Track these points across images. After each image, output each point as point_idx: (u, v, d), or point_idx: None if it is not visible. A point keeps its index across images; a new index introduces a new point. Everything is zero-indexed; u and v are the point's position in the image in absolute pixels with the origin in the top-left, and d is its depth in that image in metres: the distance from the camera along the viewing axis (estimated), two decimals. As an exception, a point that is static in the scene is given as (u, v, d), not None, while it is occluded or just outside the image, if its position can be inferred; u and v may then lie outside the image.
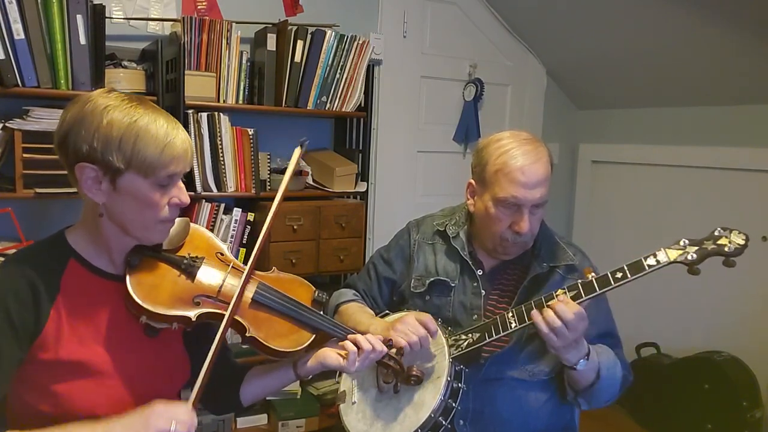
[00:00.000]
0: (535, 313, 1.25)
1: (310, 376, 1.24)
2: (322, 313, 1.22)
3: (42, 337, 0.98)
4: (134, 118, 0.99)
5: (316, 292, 1.24)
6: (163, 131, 1.01)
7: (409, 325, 1.30)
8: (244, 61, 2.27)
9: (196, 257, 1.12)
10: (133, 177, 1.00)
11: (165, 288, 1.07)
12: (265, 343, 1.12)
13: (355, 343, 1.19)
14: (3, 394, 0.96)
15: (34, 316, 0.98)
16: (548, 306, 1.24)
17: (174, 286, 1.08)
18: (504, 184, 1.33)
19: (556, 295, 1.26)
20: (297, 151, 1.25)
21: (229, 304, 1.08)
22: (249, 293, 1.14)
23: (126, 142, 0.98)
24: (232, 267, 1.16)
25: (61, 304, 1.01)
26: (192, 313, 1.06)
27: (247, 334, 1.11)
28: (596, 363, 1.31)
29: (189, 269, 1.10)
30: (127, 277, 1.05)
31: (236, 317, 1.10)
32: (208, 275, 1.12)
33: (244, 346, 1.88)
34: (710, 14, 2.30)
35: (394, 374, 1.28)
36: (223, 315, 1.06)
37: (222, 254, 1.18)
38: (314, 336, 1.19)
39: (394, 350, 1.27)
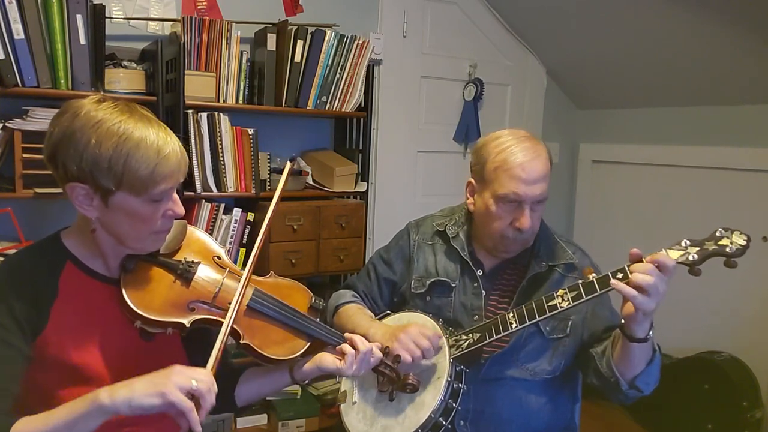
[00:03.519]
0: (615, 282, 1.15)
1: (306, 381, 1.23)
2: (318, 320, 1.21)
3: (42, 337, 0.98)
4: (124, 136, 0.95)
5: (313, 299, 1.24)
6: (155, 148, 0.97)
7: (412, 337, 1.30)
8: (244, 61, 2.27)
9: (192, 262, 1.11)
10: (124, 196, 0.98)
11: (160, 293, 1.06)
12: (259, 350, 1.11)
13: (352, 343, 1.19)
14: (17, 391, 0.95)
15: (36, 317, 0.98)
16: (629, 269, 1.15)
17: (169, 292, 1.07)
18: (504, 181, 1.33)
19: (557, 296, 1.25)
20: (287, 166, 1.24)
21: (224, 310, 1.06)
22: (245, 300, 1.13)
23: (116, 163, 0.95)
24: (229, 272, 1.15)
25: (60, 306, 1.01)
26: (186, 320, 1.05)
27: (241, 341, 1.10)
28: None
29: (184, 274, 1.09)
30: (123, 282, 1.05)
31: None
32: (204, 281, 1.11)
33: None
34: (710, 14, 2.30)
35: (390, 382, 1.27)
36: (218, 321, 1.05)
37: (219, 258, 1.17)
38: (309, 344, 1.18)
39: (390, 358, 1.26)
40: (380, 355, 1.23)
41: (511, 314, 1.31)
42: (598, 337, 1.37)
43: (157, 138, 0.99)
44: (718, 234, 1.20)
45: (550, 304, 1.26)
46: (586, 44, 2.91)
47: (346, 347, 1.18)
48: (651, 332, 1.19)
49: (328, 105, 2.42)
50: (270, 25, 2.29)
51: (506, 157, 1.34)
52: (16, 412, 0.97)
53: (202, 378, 0.92)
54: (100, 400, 0.88)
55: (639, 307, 1.14)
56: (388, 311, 1.56)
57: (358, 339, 1.20)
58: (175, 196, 1.06)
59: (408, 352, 1.28)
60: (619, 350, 1.25)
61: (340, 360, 1.17)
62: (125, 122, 0.97)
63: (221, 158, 2.20)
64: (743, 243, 1.17)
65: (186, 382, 0.90)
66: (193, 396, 0.90)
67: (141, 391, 0.89)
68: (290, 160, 1.25)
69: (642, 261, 1.16)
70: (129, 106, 1.01)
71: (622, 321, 1.20)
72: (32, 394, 0.98)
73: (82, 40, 1.88)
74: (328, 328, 1.22)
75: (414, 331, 1.31)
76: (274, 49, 2.27)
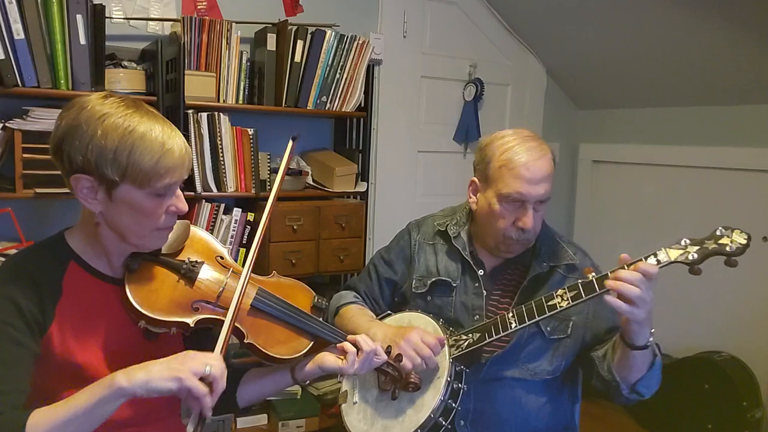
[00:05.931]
0: (609, 297, 1.15)
1: (308, 381, 1.23)
2: (321, 319, 1.21)
3: (47, 336, 0.99)
4: (129, 128, 0.97)
5: (316, 298, 1.24)
6: (159, 141, 0.99)
7: (413, 344, 1.28)
8: (244, 61, 2.27)
9: (196, 262, 1.12)
10: (128, 188, 0.99)
11: (164, 293, 1.07)
12: (263, 349, 1.12)
13: (355, 344, 1.19)
14: (29, 390, 0.95)
15: (41, 315, 0.98)
16: (615, 277, 1.15)
17: (173, 292, 1.08)
18: (508, 180, 1.33)
19: (557, 295, 1.26)
20: (289, 145, 1.24)
21: (228, 309, 1.06)
22: (248, 299, 1.13)
23: (120, 154, 0.96)
24: (232, 272, 1.15)
25: (64, 306, 1.01)
26: (190, 320, 1.05)
27: (245, 341, 1.11)
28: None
29: (188, 274, 1.10)
30: (126, 282, 1.05)
31: (234, 323, 1.08)
32: (208, 280, 1.12)
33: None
34: (710, 14, 2.30)
35: (392, 381, 1.28)
36: (222, 320, 1.05)
37: (222, 258, 1.17)
38: (312, 343, 1.18)
39: (393, 357, 1.26)
40: (385, 357, 1.23)
41: (510, 314, 1.31)
42: (600, 338, 1.38)
43: (161, 132, 1.00)
44: (718, 233, 1.20)
45: (549, 303, 1.26)
46: (586, 44, 2.91)
47: (347, 345, 1.18)
48: (651, 338, 1.20)
49: (328, 105, 2.42)
50: (270, 25, 2.29)
51: (511, 157, 1.33)
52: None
53: (216, 363, 0.94)
54: (118, 383, 0.90)
55: (630, 318, 1.15)
56: (389, 311, 1.56)
57: (361, 339, 1.20)
58: (179, 192, 1.06)
59: (408, 359, 1.27)
60: (619, 356, 1.26)
61: (342, 359, 1.17)
62: (131, 116, 0.99)
63: (221, 158, 2.20)
64: (744, 242, 1.17)
65: (200, 368, 0.92)
66: (206, 380, 0.92)
67: (158, 374, 0.90)
68: (292, 139, 1.25)
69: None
70: (135, 102, 1.03)
71: (621, 330, 1.22)
72: (40, 395, 0.98)
73: (82, 40, 1.87)
74: (331, 327, 1.22)
75: (415, 337, 1.29)
76: (274, 49, 2.27)
